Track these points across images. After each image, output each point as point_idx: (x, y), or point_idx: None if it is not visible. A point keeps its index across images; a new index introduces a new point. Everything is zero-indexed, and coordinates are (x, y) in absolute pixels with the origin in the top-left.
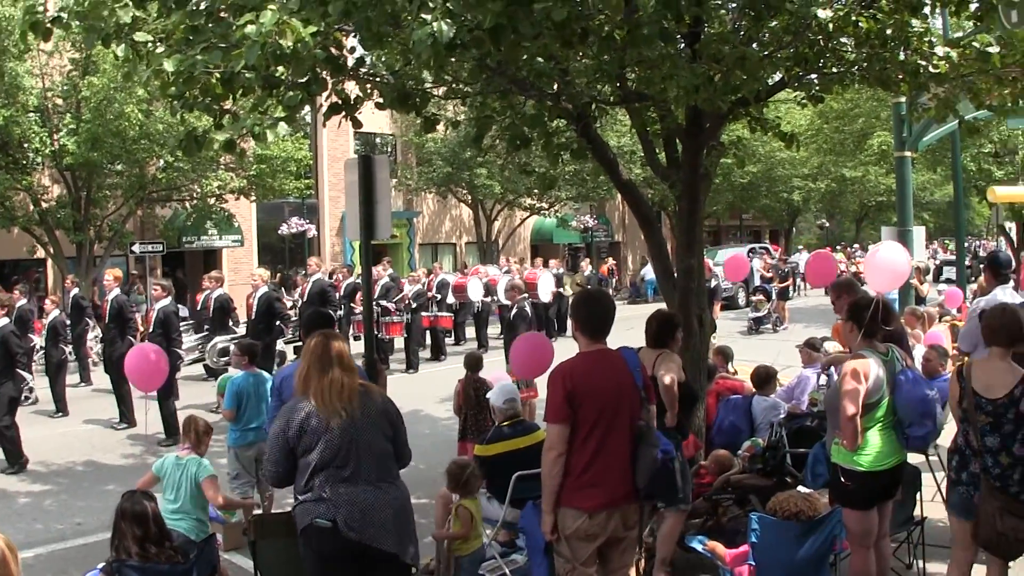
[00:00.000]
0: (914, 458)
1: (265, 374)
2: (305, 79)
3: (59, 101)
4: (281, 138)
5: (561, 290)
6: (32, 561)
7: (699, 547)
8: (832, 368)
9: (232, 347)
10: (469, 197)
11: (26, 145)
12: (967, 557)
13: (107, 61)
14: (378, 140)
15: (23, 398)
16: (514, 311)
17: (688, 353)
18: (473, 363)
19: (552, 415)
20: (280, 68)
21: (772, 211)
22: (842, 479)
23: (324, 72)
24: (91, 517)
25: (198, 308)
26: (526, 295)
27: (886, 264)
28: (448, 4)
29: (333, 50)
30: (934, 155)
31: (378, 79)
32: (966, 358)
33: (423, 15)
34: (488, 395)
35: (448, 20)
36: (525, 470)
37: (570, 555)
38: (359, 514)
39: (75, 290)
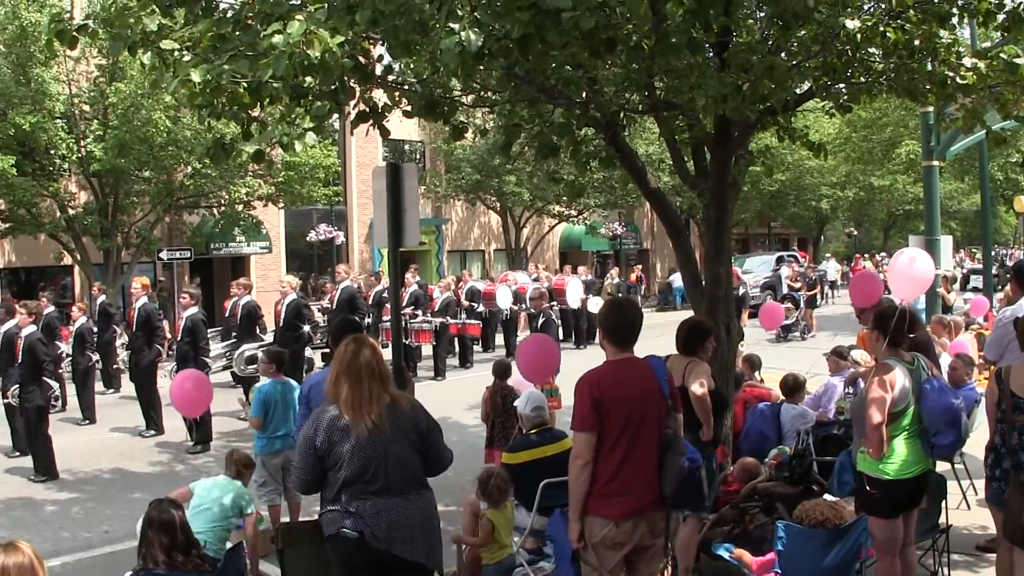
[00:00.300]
0: (940, 466)
1: (292, 382)
2: (333, 88)
3: (86, 107)
4: (309, 148)
5: (589, 296)
6: (59, 570)
7: (726, 555)
8: (859, 378)
9: (260, 354)
10: (498, 204)
11: (53, 151)
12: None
13: (134, 67)
14: (407, 147)
15: (51, 406)
16: (541, 319)
17: (716, 361)
18: (501, 370)
19: (579, 423)
20: (308, 78)
21: (800, 219)
22: (868, 487)
23: (352, 80)
24: (118, 525)
25: (226, 315)
26: (553, 302)
27: (910, 271)
28: (476, 13)
29: (361, 59)
30: (962, 164)
31: (406, 87)
32: (992, 366)
33: (451, 24)
34: (516, 403)
35: (476, 29)
36: (552, 478)
37: (597, 563)
38: (385, 525)
39: (102, 297)
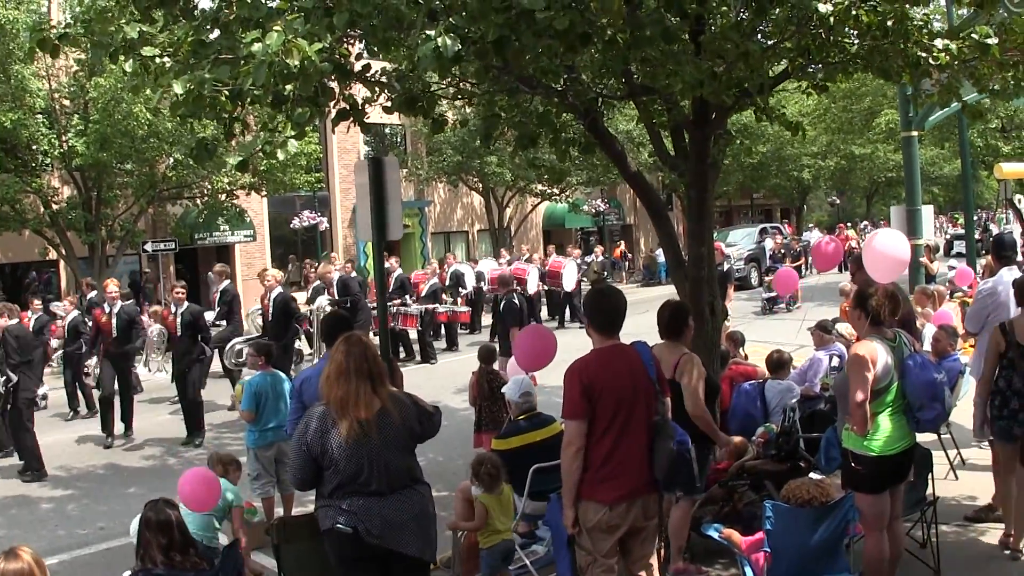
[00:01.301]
0: (927, 436)
1: (281, 374)
2: (312, 93)
3: (66, 102)
4: (291, 155)
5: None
6: (56, 568)
7: (715, 535)
8: (844, 352)
9: (247, 348)
10: (480, 185)
11: (34, 147)
12: (1009, 475)
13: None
14: (388, 131)
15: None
16: (504, 304)
17: (700, 341)
18: (487, 355)
19: (570, 411)
20: (288, 86)
21: (783, 190)
22: (853, 464)
23: (331, 80)
24: (114, 522)
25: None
26: (517, 288)
27: (885, 253)
28: (451, 19)
29: (340, 58)
30: (941, 131)
31: (385, 82)
32: (974, 338)
33: (427, 31)
34: (503, 389)
35: (452, 35)
36: (543, 463)
37: (591, 547)
38: (379, 522)
39: (92, 293)
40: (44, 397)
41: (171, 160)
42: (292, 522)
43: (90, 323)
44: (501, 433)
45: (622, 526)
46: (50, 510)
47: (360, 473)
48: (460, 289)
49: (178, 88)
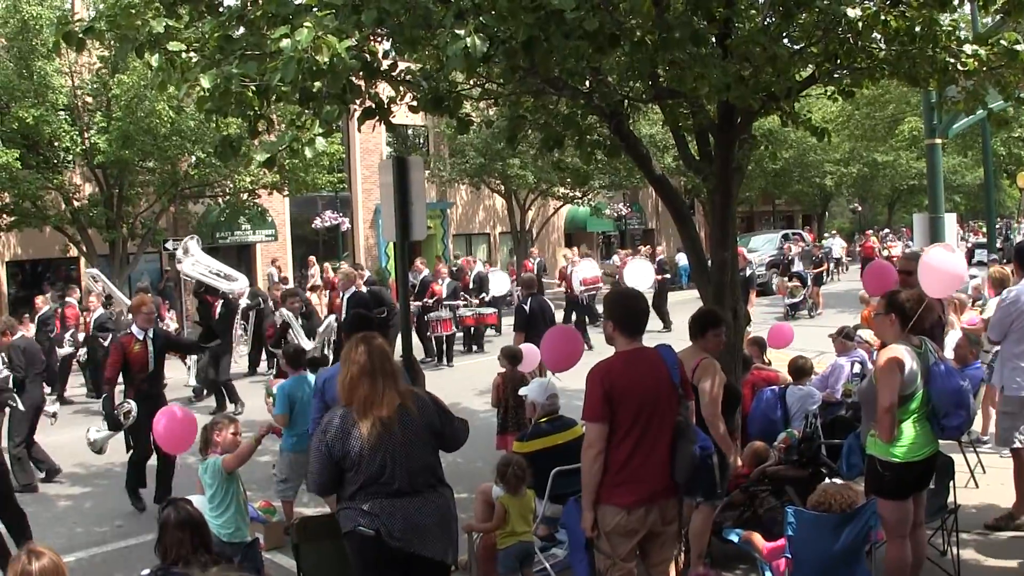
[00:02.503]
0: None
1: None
2: (340, 90)
3: (89, 99)
4: (318, 152)
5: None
6: (74, 565)
7: (736, 539)
8: (866, 359)
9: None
10: (503, 187)
11: (56, 144)
12: None
13: (137, 59)
14: (410, 132)
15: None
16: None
17: (724, 346)
18: (511, 357)
19: (591, 414)
20: (317, 83)
21: (805, 196)
22: (880, 469)
23: (358, 78)
24: (131, 519)
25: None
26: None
27: (941, 268)
28: (481, 18)
29: (367, 56)
30: (964, 139)
31: (411, 81)
32: (996, 346)
33: (456, 30)
34: (522, 391)
35: (481, 35)
36: (564, 465)
37: (610, 551)
38: (402, 523)
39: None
40: (54, 415)
41: (193, 158)
42: (312, 522)
43: (101, 345)
44: (523, 435)
45: (640, 530)
46: (68, 507)
47: (383, 472)
48: (483, 294)
49: (206, 83)
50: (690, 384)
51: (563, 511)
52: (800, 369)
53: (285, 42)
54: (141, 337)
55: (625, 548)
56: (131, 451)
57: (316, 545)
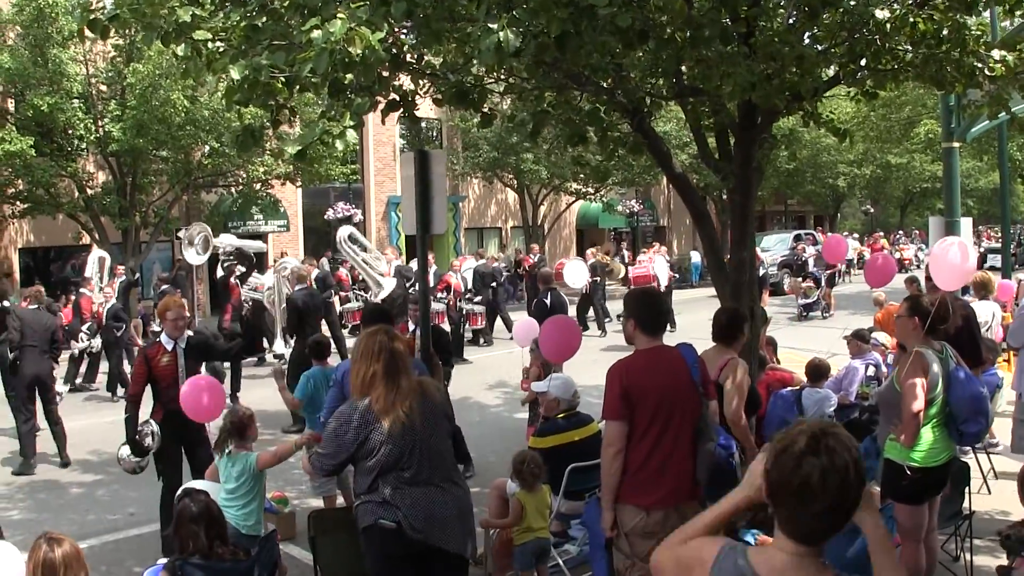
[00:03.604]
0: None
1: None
2: (371, 83)
3: (103, 87)
4: (350, 145)
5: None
6: (86, 552)
7: (752, 540)
8: (881, 362)
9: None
10: (515, 182)
11: (71, 132)
12: None
13: (152, 48)
14: (424, 125)
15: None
16: (535, 301)
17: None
18: None
19: (610, 412)
20: (348, 75)
21: (817, 197)
22: (908, 472)
23: (385, 71)
24: (144, 507)
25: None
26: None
27: (952, 262)
28: (514, 12)
29: (394, 49)
30: (980, 144)
31: (437, 75)
32: (1014, 353)
33: (489, 24)
34: (538, 386)
35: (514, 28)
36: (580, 462)
37: (629, 551)
38: (422, 515)
39: (123, 277)
40: (59, 395)
41: (207, 148)
42: (329, 514)
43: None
44: (539, 431)
45: (660, 532)
46: (80, 495)
47: (400, 458)
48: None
49: (235, 73)
50: (712, 384)
51: (584, 509)
52: (817, 370)
53: (316, 33)
54: (170, 347)
55: (645, 549)
56: (161, 479)
57: (332, 537)
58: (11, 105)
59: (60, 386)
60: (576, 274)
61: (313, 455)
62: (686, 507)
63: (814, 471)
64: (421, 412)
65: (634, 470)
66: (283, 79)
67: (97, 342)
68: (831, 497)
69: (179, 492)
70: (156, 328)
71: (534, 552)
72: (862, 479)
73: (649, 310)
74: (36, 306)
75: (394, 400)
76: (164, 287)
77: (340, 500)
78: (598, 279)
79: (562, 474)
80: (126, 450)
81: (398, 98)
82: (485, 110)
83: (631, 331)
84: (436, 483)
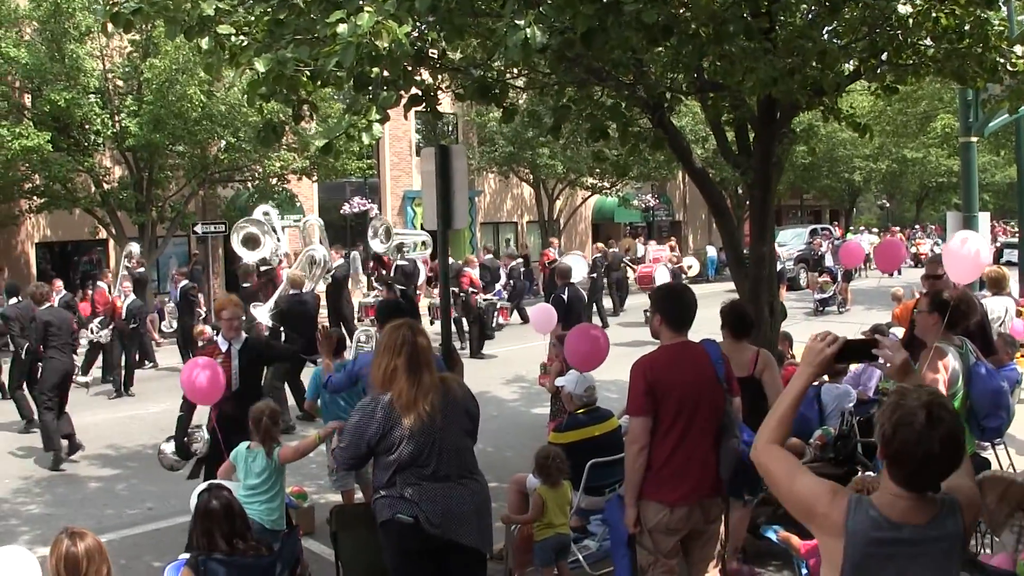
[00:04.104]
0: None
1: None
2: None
3: (120, 83)
4: (376, 139)
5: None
6: (105, 547)
7: (773, 536)
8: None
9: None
10: (531, 176)
11: (87, 127)
12: None
13: (169, 43)
14: (439, 120)
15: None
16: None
17: (759, 341)
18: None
19: (634, 408)
20: (375, 69)
21: (833, 191)
22: None
23: (409, 65)
24: (162, 502)
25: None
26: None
27: (964, 254)
28: (540, 8)
29: (418, 43)
30: (996, 138)
31: (460, 70)
32: None
33: (516, 20)
34: (558, 381)
35: (540, 25)
36: (600, 457)
37: (653, 547)
38: (441, 510)
39: (140, 269)
40: (86, 385)
41: (223, 143)
42: (350, 510)
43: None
44: (559, 426)
45: (683, 528)
46: (98, 489)
47: (420, 454)
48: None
49: (261, 67)
50: (735, 380)
51: (605, 506)
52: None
53: (342, 27)
54: (224, 348)
55: (668, 545)
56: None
57: (353, 532)
58: (28, 100)
59: (81, 377)
60: (574, 269)
61: (336, 449)
62: (709, 502)
63: (934, 443)
64: (442, 408)
65: (658, 466)
66: (307, 73)
67: (105, 333)
68: (948, 460)
69: (200, 489)
70: (166, 329)
71: (554, 548)
72: (964, 439)
73: (676, 306)
74: (47, 304)
75: (416, 396)
76: (183, 282)
77: (359, 495)
78: (596, 275)
79: (582, 470)
80: (170, 447)
81: (420, 93)
82: (506, 105)
83: (657, 325)
84: (454, 479)
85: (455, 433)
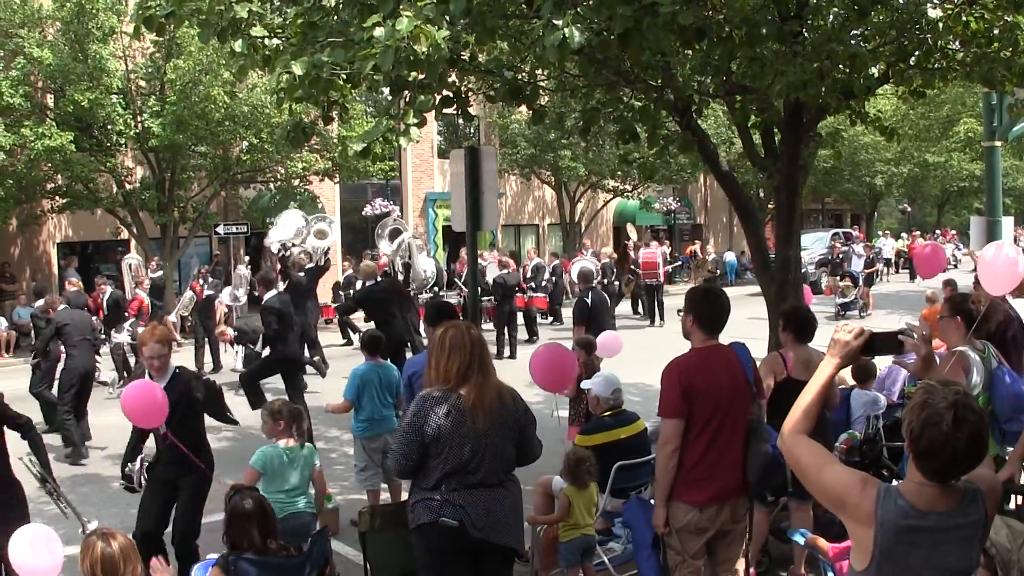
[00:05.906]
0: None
1: (392, 366)
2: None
3: (142, 83)
4: (413, 141)
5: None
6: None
7: (800, 540)
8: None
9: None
10: (553, 179)
11: (110, 127)
12: None
13: (192, 44)
14: (461, 122)
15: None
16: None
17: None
18: (586, 345)
19: (668, 410)
20: (413, 73)
21: (854, 195)
22: None
23: (445, 70)
24: None
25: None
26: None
27: (1001, 265)
28: (578, 9)
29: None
30: (1020, 142)
31: (491, 72)
32: None
33: (554, 20)
34: (584, 384)
35: (578, 25)
36: (626, 460)
37: (680, 548)
38: (484, 513)
39: (159, 272)
40: (105, 383)
41: (245, 144)
42: (380, 510)
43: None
44: (585, 429)
45: (711, 529)
46: (122, 488)
47: (471, 461)
48: (538, 282)
49: (298, 69)
50: (762, 383)
51: (624, 509)
52: (864, 371)
53: (379, 31)
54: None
55: (695, 545)
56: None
57: (382, 533)
58: (51, 101)
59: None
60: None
61: (390, 455)
62: (736, 503)
63: (960, 443)
64: (500, 416)
65: (689, 467)
66: (343, 76)
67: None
68: (973, 457)
69: (228, 491)
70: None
71: (580, 549)
72: (988, 436)
73: (711, 308)
74: (64, 305)
75: (481, 400)
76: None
77: (384, 495)
78: (606, 280)
79: (607, 472)
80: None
81: (451, 95)
82: (536, 107)
83: (689, 326)
84: (497, 484)
85: (504, 442)
